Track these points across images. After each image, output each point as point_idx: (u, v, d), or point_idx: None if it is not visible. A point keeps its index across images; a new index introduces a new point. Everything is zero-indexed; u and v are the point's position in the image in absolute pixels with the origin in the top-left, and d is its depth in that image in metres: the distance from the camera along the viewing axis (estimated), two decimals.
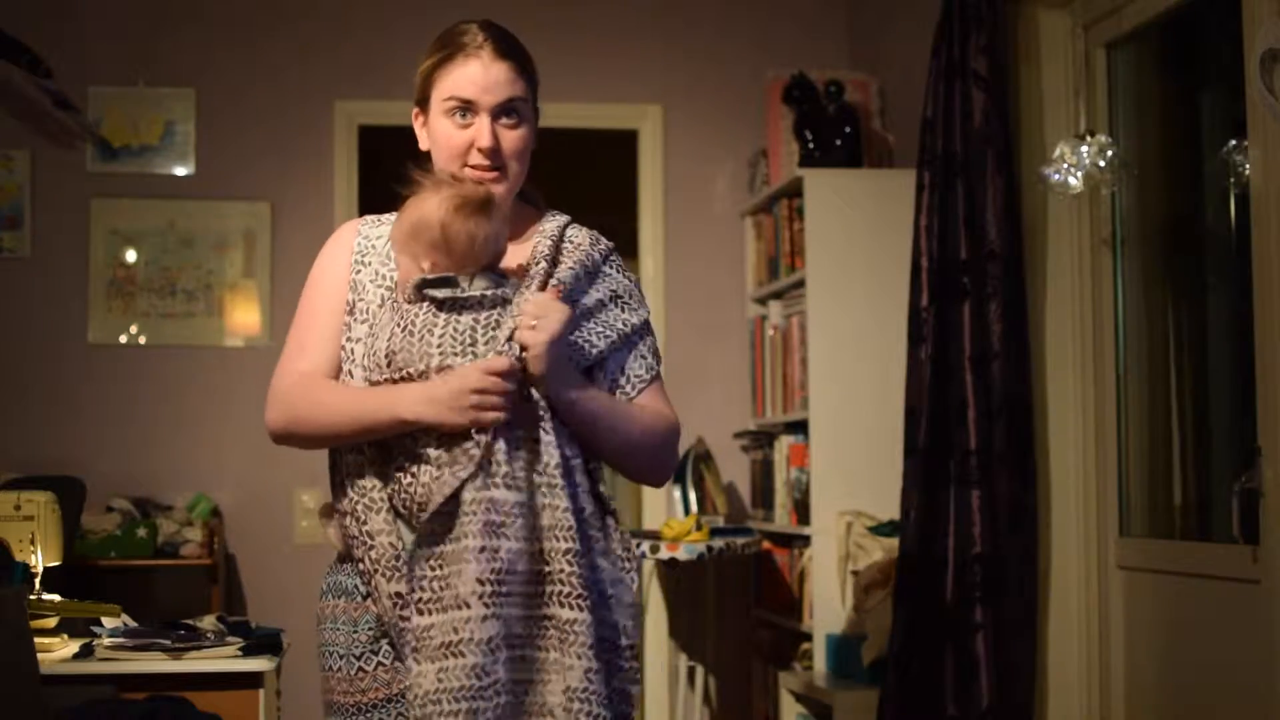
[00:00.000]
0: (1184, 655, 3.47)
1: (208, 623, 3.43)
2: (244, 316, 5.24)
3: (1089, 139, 3.66)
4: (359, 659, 2.25)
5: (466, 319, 2.21)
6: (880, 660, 4.06)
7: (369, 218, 2.44)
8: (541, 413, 2.19)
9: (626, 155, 5.53)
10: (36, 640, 3.08)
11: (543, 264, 2.32)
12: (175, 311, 5.23)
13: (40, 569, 3.39)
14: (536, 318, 2.18)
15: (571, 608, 2.14)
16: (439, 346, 2.20)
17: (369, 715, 2.23)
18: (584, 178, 6.20)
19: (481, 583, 2.10)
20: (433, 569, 2.13)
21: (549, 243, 2.36)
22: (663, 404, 2.44)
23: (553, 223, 2.41)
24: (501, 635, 2.11)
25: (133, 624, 3.41)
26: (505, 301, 2.24)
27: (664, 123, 5.46)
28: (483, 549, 2.11)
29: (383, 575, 2.19)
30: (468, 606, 2.10)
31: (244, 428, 5.10)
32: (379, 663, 2.24)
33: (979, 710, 3.68)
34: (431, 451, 2.18)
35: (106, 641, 3.25)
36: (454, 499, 2.13)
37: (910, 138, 4.50)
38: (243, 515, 5.17)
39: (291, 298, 2.65)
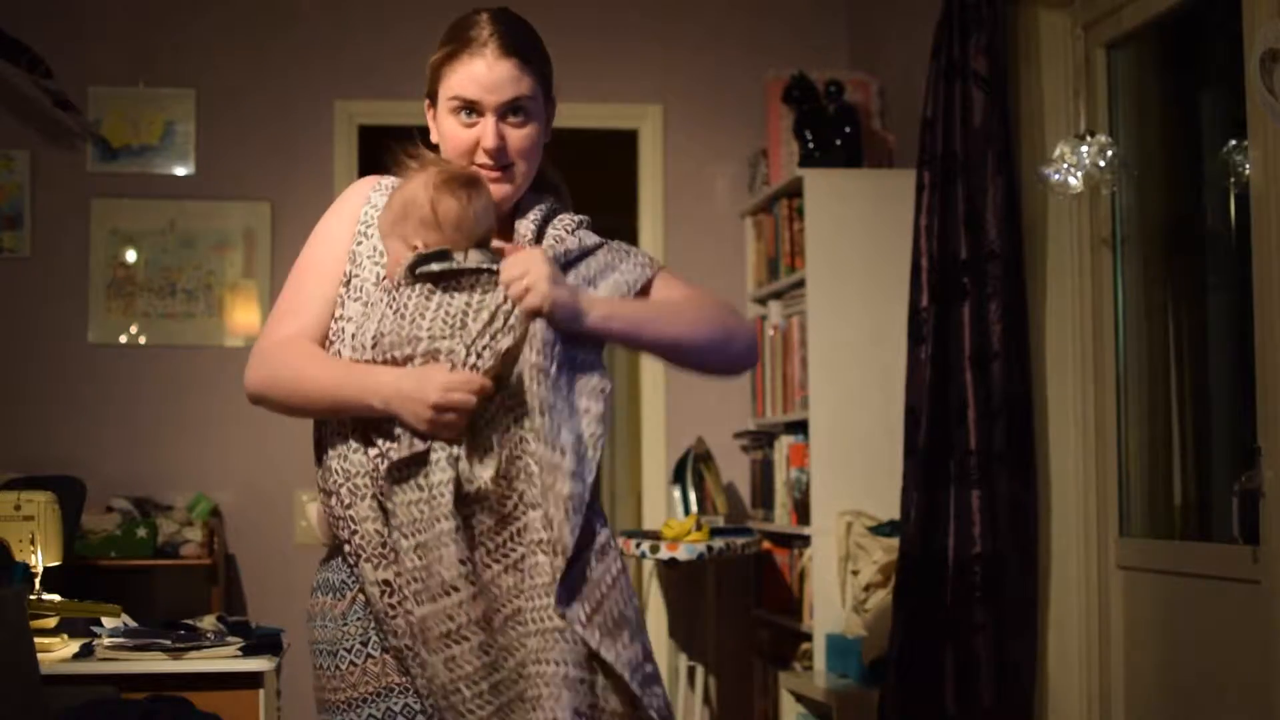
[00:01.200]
0: (1184, 655, 3.47)
1: (208, 623, 3.43)
2: (244, 316, 5.24)
3: (1089, 139, 3.66)
4: (349, 653, 2.24)
5: (459, 301, 2.19)
6: (880, 660, 4.06)
7: (385, 180, 2.38)
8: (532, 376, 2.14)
9: (626, 155, 5.53)
10: (36, 640, 3.09)
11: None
12: (175, 311, 5.23)
13: (40, 569, 3.39)
14: (521, 272, 2.13)
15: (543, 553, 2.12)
16: (428, 330, 2.17)
17: (359, 710, 2.22)
18: (584, 178, 6.19)
19: (463, 562, 2.10)
20: (418, 558, 2.12)
21: (532, 227, 2.33)
22: (687, 286, 2.36)
23: (539, 211, 2.36)
24: (494, 605, 2.12)
25: (133, 624, 3.41)
26: (494, 273, 2.22)
27: (664, 123, 5.46)
28: (457, 529, 2.11)
29: (369, 562, 2.18)
30: (456, 590, 2.10)
31: (245, 428, 5.10)
32: (368, 655, 2.23)
33: (979, 710, 3.68)
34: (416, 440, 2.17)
35: (106, 641, 3.25)
36: (425, 478, 2.12)
37: (910, 138, 4.50)
38: (243, 515, 5.17)
39: None
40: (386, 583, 2.17)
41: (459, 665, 2.11)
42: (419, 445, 2.14)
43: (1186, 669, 3.46)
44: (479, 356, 2.15)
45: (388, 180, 2.38)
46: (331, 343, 2.28)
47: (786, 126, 4.94)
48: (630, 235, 5.62)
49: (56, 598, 3.45)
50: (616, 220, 6.31)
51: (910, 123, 4.53)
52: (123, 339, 5.20)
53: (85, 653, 3.25)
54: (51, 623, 3.35)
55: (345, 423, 2.22)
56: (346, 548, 2.22)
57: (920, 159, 3.99)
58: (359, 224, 2.34)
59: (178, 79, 5.28)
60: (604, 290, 2.27)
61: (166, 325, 5.22)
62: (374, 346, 2.19)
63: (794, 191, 4.76)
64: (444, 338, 2.17)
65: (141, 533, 4.78)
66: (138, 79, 5.26)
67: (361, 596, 2.23)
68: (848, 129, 4.76)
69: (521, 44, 2.32)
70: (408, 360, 2.17)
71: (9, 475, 4.42)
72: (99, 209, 5.21)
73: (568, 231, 2.35)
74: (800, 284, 4.67)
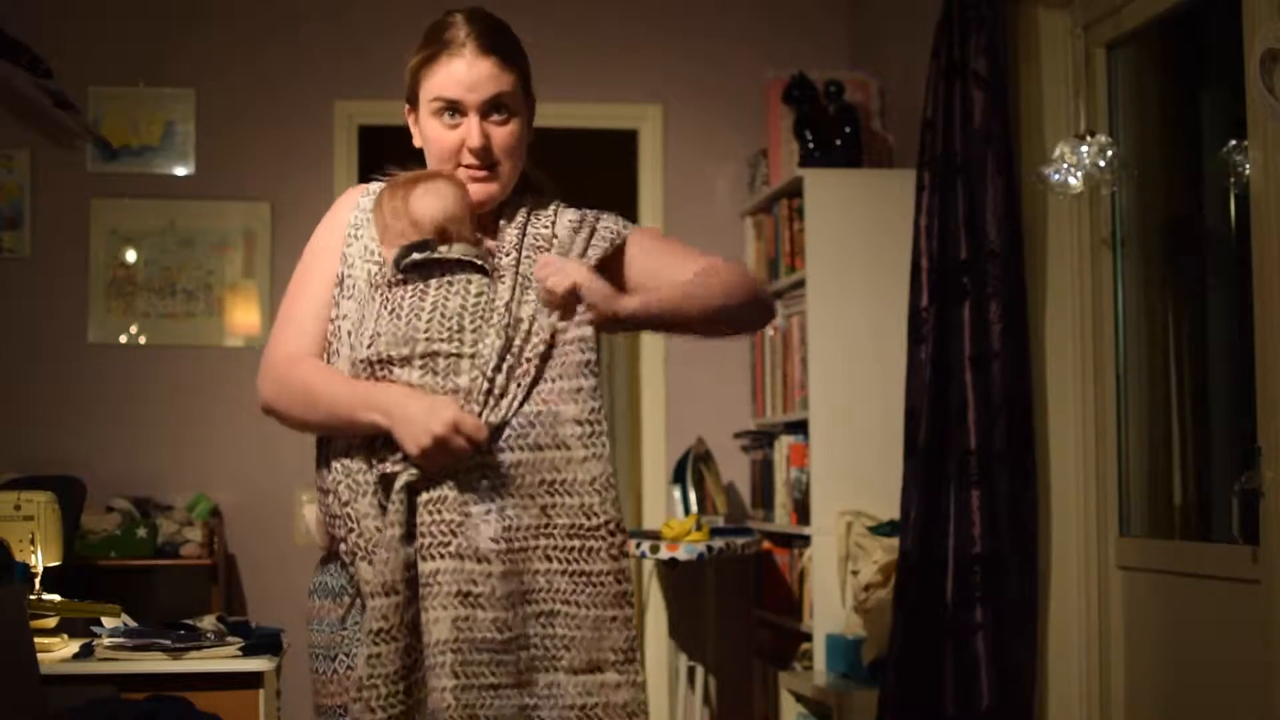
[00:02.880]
0: (1184, 655, 3.47)
1: (208, 623, 3.43)
2: (244, 316, 5.24)
3: (1089, 139, 3.66)
4: (348, 658, 2.23)
5: (454, 303, 2.19)
6: (880, 660, 4.06)
7: (372, 187, 2.40)
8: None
9: (626, 155, 5.53)
10: (36, 640, 3.09)
11: (512, 253, 2.29)
12: (175, 311, 5.23)
13: (40, 569, 3.39)
14: (554, 272, 2.15)
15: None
16: (425, 331, 2.18)
17: None
18: (584, 178, 6.20)
19: (495, 540, 2.12)
20: (433, 513, 2.13)
21: (516, 233, 2.33)
22: (700, 256, 2.37)
23: (522, 215, 2.36)
24: (520, 591, 2.13)
25: (133, 624, 3.41)
26: (484, 272, 2.23)
27: (664, 123, 5.46)
28: (488, 511, 2.13)
29: (365, 560, 2.18)
30: (488, 561, 2.12)
31: (244, 428, 5.10)
32: None
33: (979, 710, 3.68)
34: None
35: (106, 641, 3.25)
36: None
37: (910, 138, 4.50)
38: (243, 515, 5.17)
39: None
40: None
41: (469, 628, 2.11)
42: (413, 473, 2.15)
43: (1186, 669, 3.46)
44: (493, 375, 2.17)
45: (375, 186, 2.39)
46: (330, 343, 2.29)
47: (786, 126, 4.94)
48: None
49: (56, 598, 3.44)
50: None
51: (910, 123, 4.53)
52: (123, 339, 5.20)
53: (85, 653, 3.25)
54: (51, 623, 3.35)
55: None
56: (343, 547, 2.22)
57: (920, 159, 3.99)
58: (349, 227, 2.35)
59: (178, 79, 5.28)
60: (592, 255, 2.30)
61: (166, 325, 5.22)
62: (369, 346, 2.20)
63: (794, 191, 4.76)
64: (442, 340, 2.17)
65: (141, 533, 4.78)
66: (138, 79, 5.26)
67: (359, 601, 2.22)
68: (848, 129, 4.76)
69: (500, 41, 2.31)
70: (406, 361, 2.17)
71: (9, 475, 4.43)
72: (99, 209, 5.21)
73: (548, 226, 2.35)
74: (800, 284, 4.67)
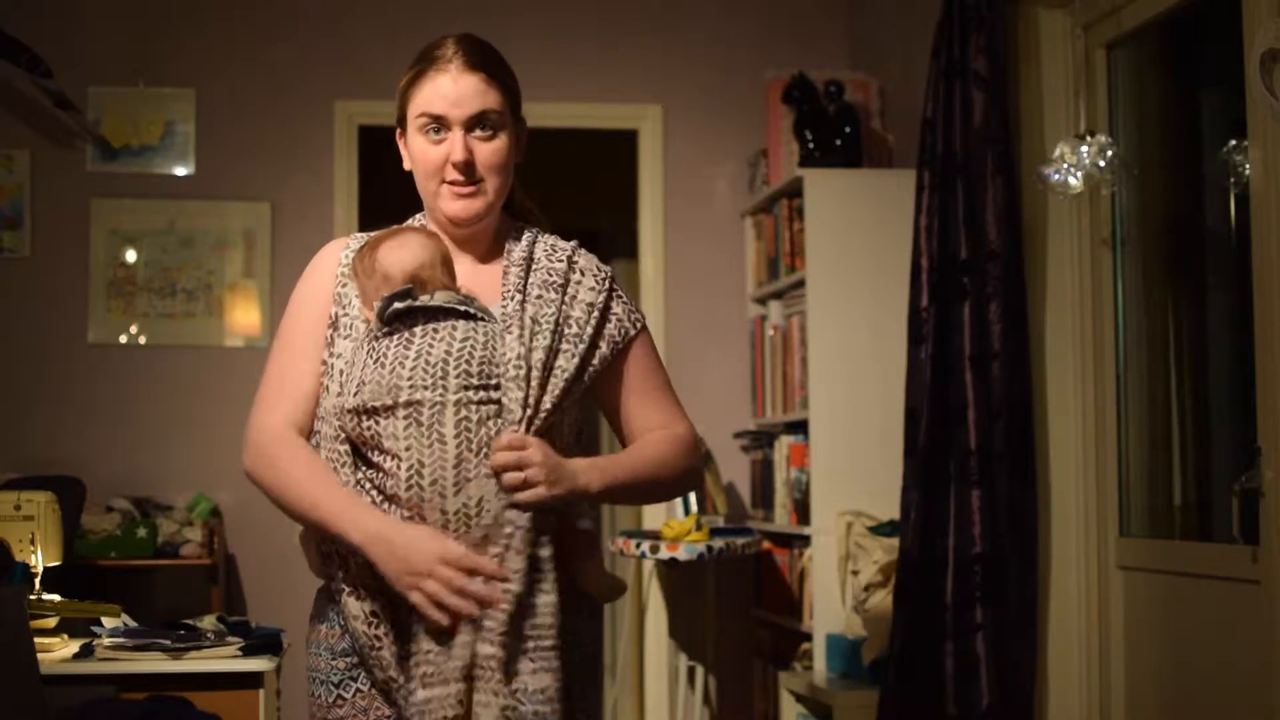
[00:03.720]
0: (1184, 655, 3.47)
1: (208, 623, 3.43)
2: (244, 316, 5.24)
3: (1089, 139, 3.66)
4: (337, 686, 2.24)
5: (439, 350, 2.17)
6: (880, 660, 4.06)
7: (355, 236, 2.40)
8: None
9: (626, 155, 5.54)
10: (36, 640, 3.09)
11: (516, 296, 2.27)
12: (175, 311, 5.23)
13: (40, 569, 3.39)
14: (516, 463, 2.14)
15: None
16: (409, 380, 2.15)
17: None
18: (584, 178, 6.21)
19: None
20: (432, 643, 2.15)
21: (517, 270, 2.31)
22: (668, 405, 2.40)
23: (520, 245, 2.34)
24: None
25: (133, 624, 3.41)
26: (471, 317, 2.21)
27: (664, 123, 5.46)
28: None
29: (354, 596, 2.18)
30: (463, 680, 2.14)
31: (244, 428, 5.09)
32: (357, 689, 2.23)
33: (979, 710, 3.68)
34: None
35: (106, 641, 3.25)
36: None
37: (910, 138, 4.50)
38: (243, 515, 5.17)
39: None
40: (374, 614, 2.18)
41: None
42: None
43: (1186, 669, 3.46)
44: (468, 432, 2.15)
45: (358, 236, 2.39)
46: (323, 383, 2.27)
47: (786, 126, 4.94)
48: (630, 235, 5.63)
49: (56, 598, 3.45)
50: (616, 220, 6.33)
51: (910, 123, 4.53)
52: (123, 339, 5.20)
53: (85, 653, 3.25)
54: (51, 623, 3.35)
55: (339, 453, 2.21)
56: (332, 585, 2.23)
57: (920, 159, 3.99)
58: (340, 267, 2.34)
59: (178, 79, 5.28)
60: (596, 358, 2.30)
61: (166, 325, 5.22)
62: (355, 394, 2.19)
63: (794, 191, 4.76)
64: (425, 388, 2.15)
65: (141, 533, 4.78)
66: (138, 79, 5.26)
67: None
68: (848, 129, 4.76)
69: (486, 60, 2.31)
70: (389, 411, 2.16)
71: (9, 475, 4.43)
72: (99, 209, 5.21)
73: (559, 275, 2.32)
74: (800, 284, 4.67)
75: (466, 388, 2.15)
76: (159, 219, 5.24)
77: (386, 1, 5.34)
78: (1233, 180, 3.24)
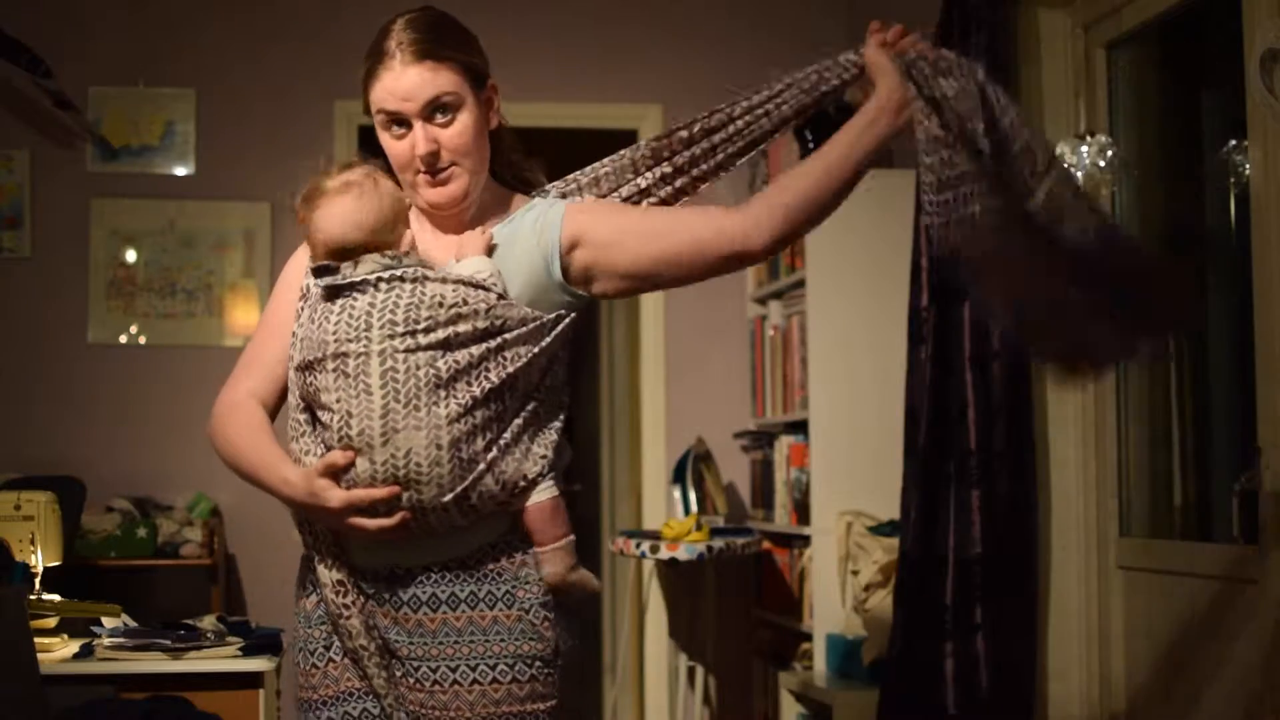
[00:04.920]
0: (1184, 655, 3.47)
1: (208, 623, 3.43)
2: (244, 316, 5.24)
3: (1089, 139, 3.66)
4: (313, 655, 2.29)
5: (362, 302, 2.18)
6: (880, 660, 4.06)
7: None
8: None
9: None
10: (36, 640, 3.09)
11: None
12: (175, 311, 5.23)
13: (40, 569, 3.39)
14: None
15: None
16: (334, 333, 2.17)
17: (319, 713, 2.26)
18: None
19: None
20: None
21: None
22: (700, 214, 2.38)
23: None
24: None
25: (133, 624, 3.41)
26: (402, 280, 2.19)
27: (664, 123, 5.46)
28: None
29: (322, 565, 2.23)
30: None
31: None
32: (330, 659, 2.27)
33: (979, 710, 3.68)
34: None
35: (106, 641, 3.25)
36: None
37: (910, 138, 4.48)
38: (243, 515, 5.17)
39: None
40: (340, 583, 2.18)
41: None
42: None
43: (1186, 669, 3.46)
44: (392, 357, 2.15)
45: None
46: (290, 354, 2.29)
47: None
48: None
49: (56, 598, 3.45)
50: None
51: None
52: (123, 339, 5.20)
53: (85, 653, 3.25)
54: (51, 623, 3.35)
55: (299, 422, 2.25)
56: (304, 551, 2.31)
57: None
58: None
59: (178, 79, 5.28)
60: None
61: (166, 325, 5.22)
62: (299, 353, 2.23)
63: None
64: (350, 340, 2.16)
65: (141, 533, 4.78)
66: (138, 79, 5.26)
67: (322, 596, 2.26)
68: None
69: (431, 45, 2.25)
70: (319, 364, 2.18)
71: (9, 475, 4.43)
72: (99, 209, 5.21)
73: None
74: (800, 284, 4.67)
75: (391, 336, 2.14)
76: (159, 219, 5.24)
77: (386, 2, 5.33)
78: (1233, 180, 3.24)
